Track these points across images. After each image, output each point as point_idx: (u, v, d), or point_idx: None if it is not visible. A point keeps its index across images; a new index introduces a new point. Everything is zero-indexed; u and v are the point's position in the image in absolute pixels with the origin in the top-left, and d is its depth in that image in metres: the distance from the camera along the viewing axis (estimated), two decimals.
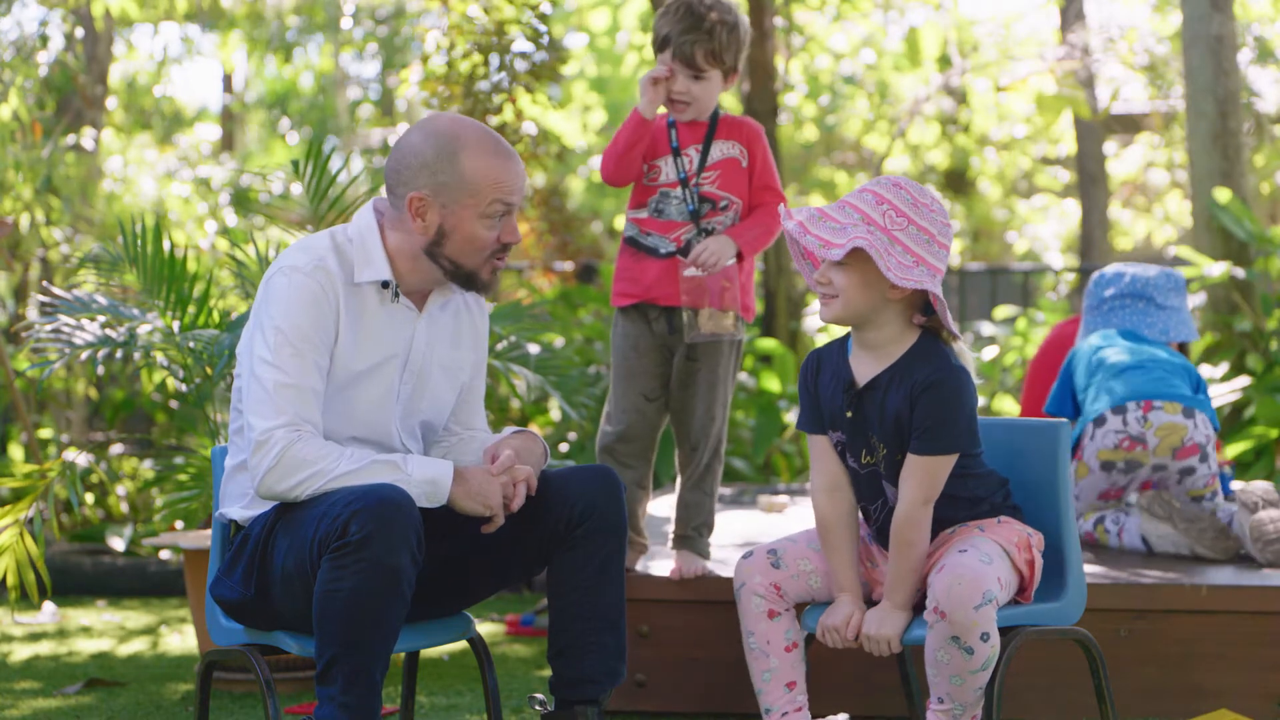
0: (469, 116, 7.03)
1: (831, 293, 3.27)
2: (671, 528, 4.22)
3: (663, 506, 5.17)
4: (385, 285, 3.33)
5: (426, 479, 3.21)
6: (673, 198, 4.05)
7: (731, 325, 4.00)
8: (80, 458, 5.48)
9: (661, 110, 4.07)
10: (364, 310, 3.32)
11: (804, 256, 3.40)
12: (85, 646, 5.43)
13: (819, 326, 8.66)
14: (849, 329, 3.39)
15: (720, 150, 4.06)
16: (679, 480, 4.19)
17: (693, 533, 4.17)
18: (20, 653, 5.32)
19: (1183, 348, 5.19)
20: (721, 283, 3.97)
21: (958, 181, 14.91)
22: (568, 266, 8.15)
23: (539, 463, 3.40)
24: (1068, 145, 13.92)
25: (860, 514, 3.42)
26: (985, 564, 3.18)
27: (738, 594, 3.41)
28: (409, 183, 3.31)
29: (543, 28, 7.21)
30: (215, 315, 4.78)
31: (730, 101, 11.77)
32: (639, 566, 4.22)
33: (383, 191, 3.43)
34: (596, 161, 12.78)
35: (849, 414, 3.32)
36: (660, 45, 4.01)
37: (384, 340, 3.34)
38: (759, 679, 3.39)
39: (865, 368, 3.33)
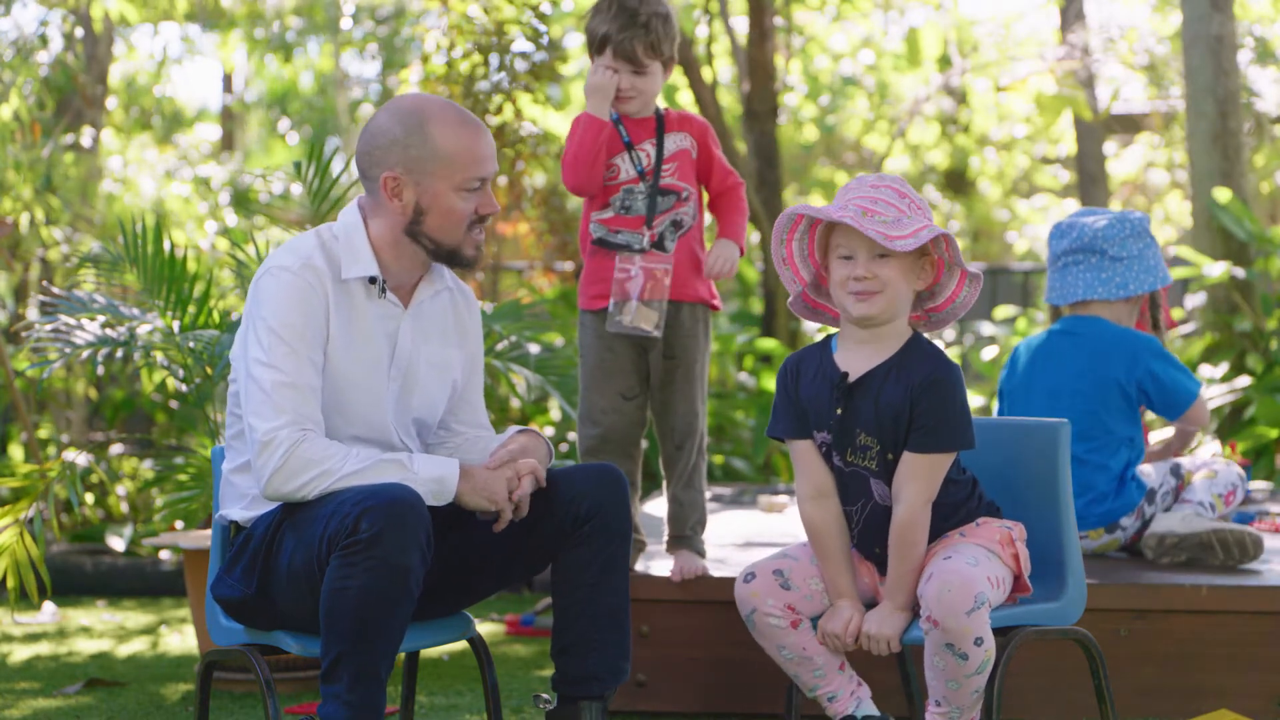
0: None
1: (877, 287, 3.23)
2: (665, 529, 4.21)
3: (660, 506, 5.16)
4: (372, 281, 3.33)
5: (433, 477, 3.21)
6: (637, 193, 4.07)
7: (656, 323, 4.04)
8: (80, 458, 5.47)
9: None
10: (353, 307, 3.32)
11: (785, 262, 3.35)
12: (85, 646, 5.43)
13: (819, 326, 8.62)
14: (828, 333, 3.39)
15: (674, 143, 4.12)
16: (666, 481, 4.19)
17: (690, 532, 4.16)
18: (20, 653, 5.32)
19: (1153, 299, 4.66)
20: (654, 277, 4.01)
21: (958, 181, 14.89)
22: (568, 266, 8.12)
23: (543, 461, 3.40)
24: (1068, 145, 13.90)
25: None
26: (972, 566, 3.17)
27: (750, 620, 3.36)
28: (381, 163, 3.32)
29: (543, 28, 7.20)
30: (215, 315, 4.78)
31: (730, 101, 11.77)
32: (639, 566, 4.21)
33: None
34: None
35: (838, 410, 3.29)
36: (599, 46, 4.04)
37: (372, 338, 3.34)
38: (812, 677, 3.36)
39: (858, 362, 3.30)
